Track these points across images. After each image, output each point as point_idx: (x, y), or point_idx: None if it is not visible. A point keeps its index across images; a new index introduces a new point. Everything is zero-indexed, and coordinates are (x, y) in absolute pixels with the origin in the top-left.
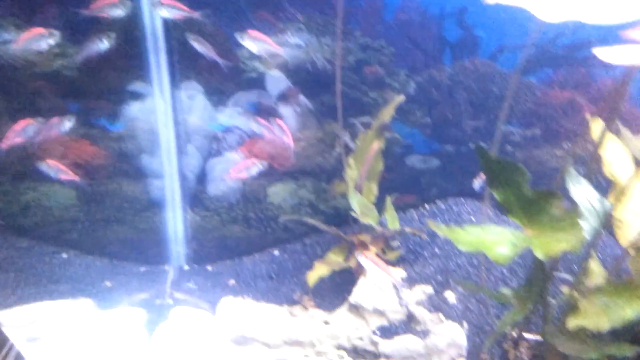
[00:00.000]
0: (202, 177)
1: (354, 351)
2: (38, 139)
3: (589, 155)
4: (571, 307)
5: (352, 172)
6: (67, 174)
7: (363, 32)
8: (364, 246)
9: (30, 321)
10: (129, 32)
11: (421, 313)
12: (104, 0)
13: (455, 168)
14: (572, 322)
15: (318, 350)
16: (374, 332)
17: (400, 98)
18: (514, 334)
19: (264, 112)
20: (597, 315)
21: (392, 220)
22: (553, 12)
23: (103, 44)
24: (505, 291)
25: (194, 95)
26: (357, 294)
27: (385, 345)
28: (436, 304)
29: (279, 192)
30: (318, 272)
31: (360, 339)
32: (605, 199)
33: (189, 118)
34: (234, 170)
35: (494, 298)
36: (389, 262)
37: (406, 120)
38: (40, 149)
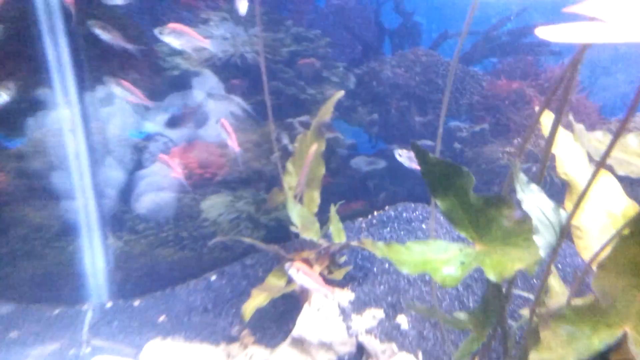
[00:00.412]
0: (124, 194)
1: None
2: None
3: (541, 153)
4: (532, 337)
5: (290, 179)
6: None
7: (295, 21)
8: (307, 265)
9: None
10: (21, 25)
11: (372, 344)
12: None
13: (403, 169)
14: (535, 357)
15: None
16: None
17: (339, 93)
18: None
19: (191, 114)
20: (562, 347)
21: (338, 233)
22: None
23: None
24: (460, 315)
25: (109, 99)
26: (301, 325)
27: None
28: (388, 332)
29: (214, 206)
30: (254, 302)
31: None
32: (561, 208)
33: (104, 126)
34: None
35: (448, 324)
36: (336, 283)
37: (349, 118)
38: None
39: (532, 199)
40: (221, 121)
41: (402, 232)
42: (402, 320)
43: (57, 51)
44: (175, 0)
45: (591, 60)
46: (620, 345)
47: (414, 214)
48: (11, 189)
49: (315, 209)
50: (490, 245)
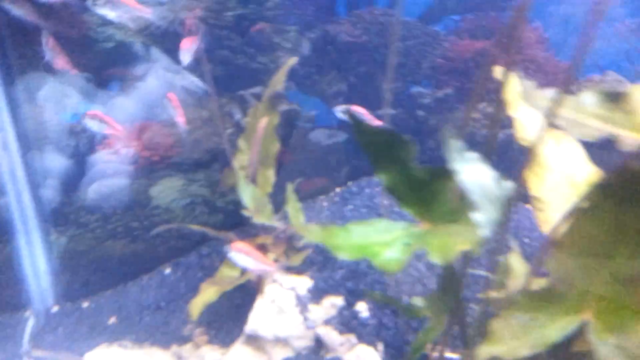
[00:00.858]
0: (64, 185)
1: None
2: None
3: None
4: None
5: (242, 157)
6: None
7: None
8: (264, 250)
9: None
10: None
11: (330, 336)
12: None
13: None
14: (484, 351)
15: None
16: None
17: (292, 60)
18: (436, 353)
19: (133, 91)
20: (514, 339)
21: (295, 214)
22: None
23: None
24: (417, 301)
25: (38, 81)
26: (254, 320)
27: None
28: (347, 321)
29: (165, 192)
30: (203, 298)
31: None
32: (506, 180)
33: (35, 111)
34: None
35: (405, 312)
36: (294, 269)
37: (305, 88)
38: None
39: (470, 169)
40: (168, 96)
41: (364, 210)
42: (362, 308)
43: None
44: None
45: (564, 17)
46: (581, 335)
47: (377, 189)
48: None
49: (270, 189)
50: (435, 224)
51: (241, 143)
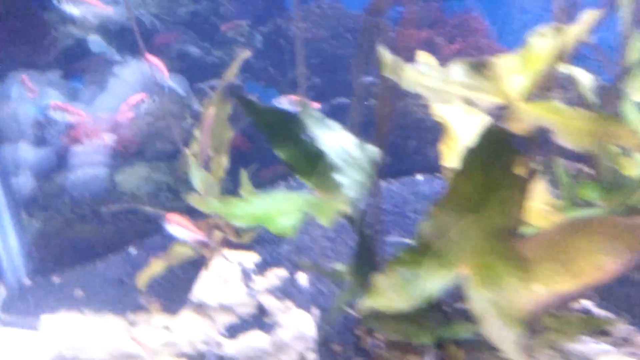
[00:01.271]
0: (35, 172)
1: (198, 357)
2: None
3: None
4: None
5: (196, 146)
6: None
7: None
8: (217, 230)
9: None
10: None
11: (270, 303)
12: None
13: None
14: (365, 304)
15: None
16: (221, 332)
17: (244, 54)
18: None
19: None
20: (394, 292)
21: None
22: None
23: None
24: (339, 267)
25: (9, 79)
26: (200, 290)
27: (230, 346)
28: (287, 290)
29: (129, 179)
30: (150, 270)
31: (205, 342)
32: (369, 145)
33: (7, 106)
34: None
35: (330, 277)
36: (243, 246)
37: (261, 79)
38: None
39: (330, 136)
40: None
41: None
42: (302, 278)
43: None
44: None
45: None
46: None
47: None
48: None
49: (222, 174)
50: (327, 192)
51: (196, 132)
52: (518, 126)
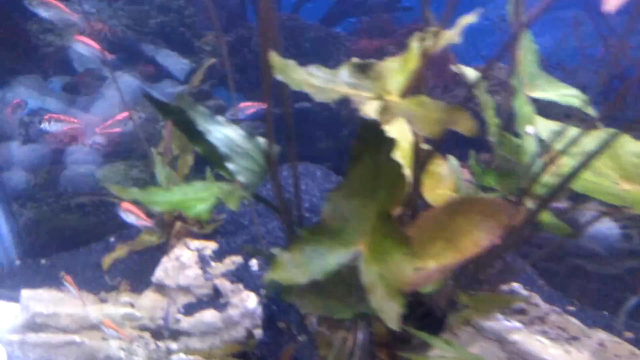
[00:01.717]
0: (23, 167)
1: (157, 331)
2: None
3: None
4: None
5: (163, 146)
6: None
7: None
8: (180, 221)
9: None
10: None
11: (224, 285)
12: None
13: (284, 131)
14: (268, 276)
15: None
16: (179, 310)
17: (210, 61)
18: None
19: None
20: (297, 267)
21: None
22: None
23: None
24: (276, 251)
25: None
26: (159, 273)
27: (186, 323)
28: (240, 274)
29: (109, 175)
30: (115, 254)
31: (164, 318)
32: (258, 137)
33: None
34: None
35: (269, 260)
36: (205, 235)
37: (228, 85)
38: None
39: (218, 129)
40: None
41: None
42: (254, 263)
43: None
44: None
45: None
46: None
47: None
48: None
49: (187, 172)
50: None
51: (163, 132)
52: (387, 117)
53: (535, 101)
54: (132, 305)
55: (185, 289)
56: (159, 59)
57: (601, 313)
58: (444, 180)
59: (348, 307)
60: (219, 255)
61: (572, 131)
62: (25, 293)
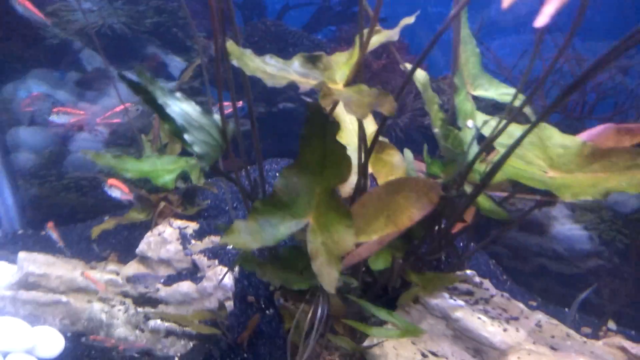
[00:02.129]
0: (29, 147)
1: (138, 298)
2: None
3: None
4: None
5: (152, 134)
6: None
7: None
8: (166, 202)
9: None
10: None
11: (201, 260)
12: None
13: (269, 129)
14: (222, 240)
15: (101, 297)
16: (160, 280)
17: (197, 61)
18: None
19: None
20: (250, 235)
21: (196, 177)
22: None
23: None
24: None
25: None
26: (143, 246)
27: (164, 292)
28: (216, 252)
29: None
30: (102, 226)
31: (146, 287)
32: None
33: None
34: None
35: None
36: (188, 217)
37: (215, 83)
38: None
39: (176, 103)
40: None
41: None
42: None
43: None
44: None
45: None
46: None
47: (275, 166)
48: None
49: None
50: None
51: (153, 122)
52: (327, 101)
53: (476, 99)
54: (117, 274)
55: (166, 262)
56: (161, 55)
57: (562, 309)
58: (396, 169)
59: (305, 279)
60: (199, 235)
61: (510, 127)
62: (21, 254)
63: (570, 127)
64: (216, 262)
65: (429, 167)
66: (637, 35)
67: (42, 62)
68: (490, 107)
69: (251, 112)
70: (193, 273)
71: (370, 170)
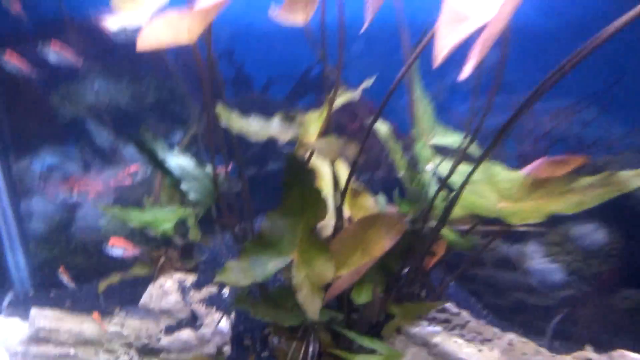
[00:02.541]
0: (39, 213)
1: (142, 348)
2: None
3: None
4: None
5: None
6: None
7: (153, 74)
8: (166, 257)
9: None
10: None
11: (199, 309)
12: None
13: (259, 189)
14: (217, 279)
15: (107, 348)
16: (161, 330)
17: (193, 130)
18: None
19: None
20: (241, 272)
21: (194, 233)
22: None
23: None
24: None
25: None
26: (145, 298)
27: (166, 340)
28: (214, 300)
29: (109, 223)
30: (109, 280)
31: (149, 337)
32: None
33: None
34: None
35: (229, 283)
36: (187, 270)
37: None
38: None
39: (174, 159)
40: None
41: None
42: (226, 291)
43: None
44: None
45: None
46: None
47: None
48: None
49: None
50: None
51: (156, 185)
52: (302, 151)
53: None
54: (122, 326)
55: (166, 312)
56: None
57: (541, 341)
58: (371, 211)
59: (295, 316)
60: (197, 286)
61: (463, 167)
62: (33, 310)
63: None
64: (213, 309)
65: (399, 207)
66: (547, 83)
67: (54, 137)
68: (449, 152)
69: (241, 169)
70: (192, 321)
71: (348, 213)
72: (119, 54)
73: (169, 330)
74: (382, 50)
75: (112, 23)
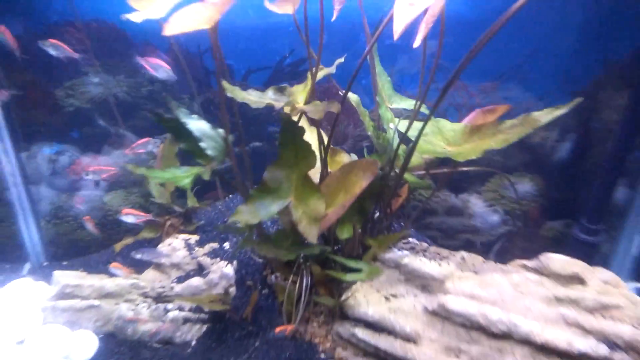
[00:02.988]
0: (50, 190)
1: (157, 296)
2: None
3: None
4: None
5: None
6: None
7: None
8: (170, 222)
9: None
10: None
11: (205, 260)
12: None
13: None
14: (230, 219)
15: (127, 299)
16: (173, 281)
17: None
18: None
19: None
20: (249, 214)
21: (191, 201)
22: None
23: None
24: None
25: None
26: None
27: (179, 288)
28: (217, 253)
29: (114, 199)
30: (123, 242)
31: (162, 287)
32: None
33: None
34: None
35: (233, 232)
36: (190, 232)
37: None
38: None
39: (193, 123)
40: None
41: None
42: (227, 245)
43: None
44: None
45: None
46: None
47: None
48: None
49: (172, 189)
50: (201, 157)
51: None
52: (294, 113)
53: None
54: (137, 279)
55: (176, 266)
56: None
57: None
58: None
59: (291, 252)
60: (200, 243)
61: (416, 124)
62: (57, 272)
63: None
64: (218, 259)
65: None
66: (469, 56)
67: (61, 125)
68: (403, 113)
69: (241, 137)
70: (199, 271)
71: (329, 168)
72: (117, 53)
73: (180, 280)
74: (344, 41)
75: (135, 18)
